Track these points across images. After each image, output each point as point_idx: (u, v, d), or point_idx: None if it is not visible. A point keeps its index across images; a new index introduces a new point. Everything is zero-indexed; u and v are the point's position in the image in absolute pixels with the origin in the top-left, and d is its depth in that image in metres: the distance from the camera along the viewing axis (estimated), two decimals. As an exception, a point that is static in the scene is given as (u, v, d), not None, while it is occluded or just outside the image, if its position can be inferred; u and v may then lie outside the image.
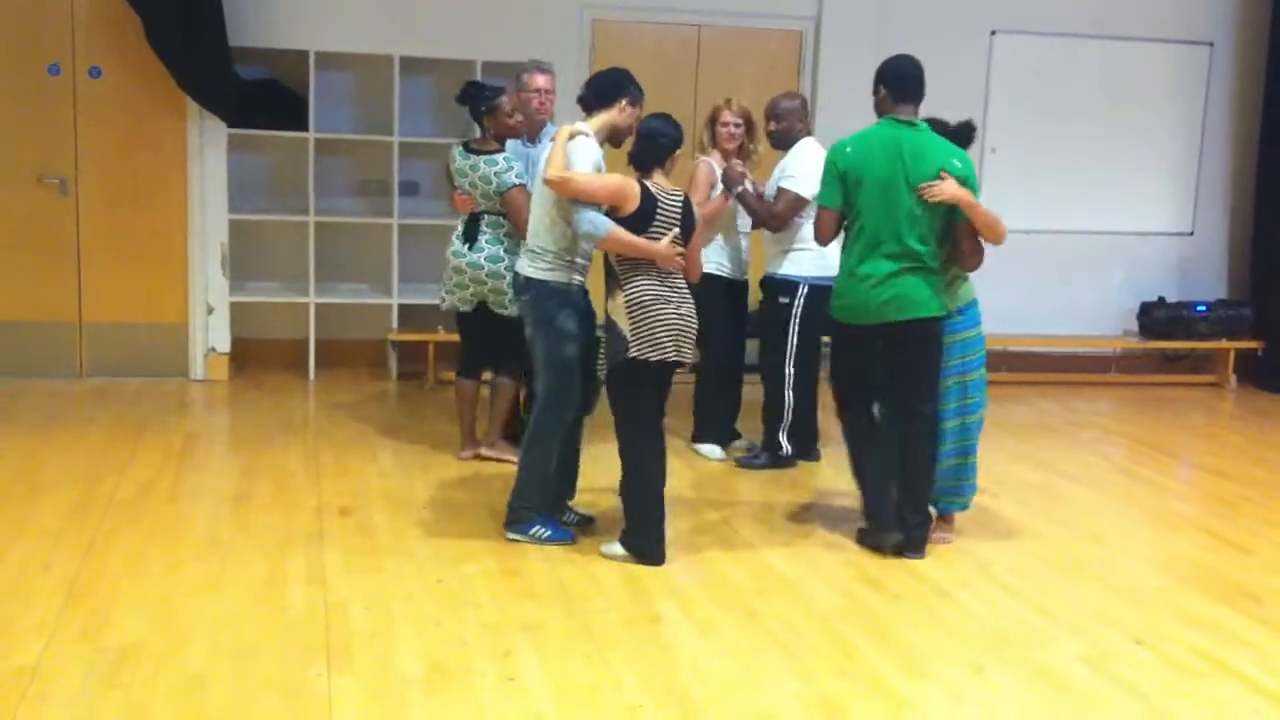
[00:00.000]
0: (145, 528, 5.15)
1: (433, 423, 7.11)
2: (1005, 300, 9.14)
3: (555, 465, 5.14)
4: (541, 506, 5.14)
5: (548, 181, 4.85)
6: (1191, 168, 9.52)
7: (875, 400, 5.25)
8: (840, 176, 5.06)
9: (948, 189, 4.94)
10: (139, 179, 7.85)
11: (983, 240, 5.12)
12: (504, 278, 5.91)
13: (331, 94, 8.18)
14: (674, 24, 8.55)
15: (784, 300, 6.22)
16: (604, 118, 5.04)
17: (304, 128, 7.97)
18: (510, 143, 6.16)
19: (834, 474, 6.13)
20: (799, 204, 6.15)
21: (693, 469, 6.37)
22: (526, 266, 5.09)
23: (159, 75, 7.57)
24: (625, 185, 4.85)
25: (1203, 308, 9.27)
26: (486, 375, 6.31)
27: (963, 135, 5.30)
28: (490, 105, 5.98)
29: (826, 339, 5.78)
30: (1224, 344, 9.29)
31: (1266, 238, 9.37)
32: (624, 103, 5.04)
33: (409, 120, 8.14)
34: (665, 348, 4.83)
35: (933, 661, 4.18)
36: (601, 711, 3.71)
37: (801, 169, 6.17)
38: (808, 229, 6.14)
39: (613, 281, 4.94)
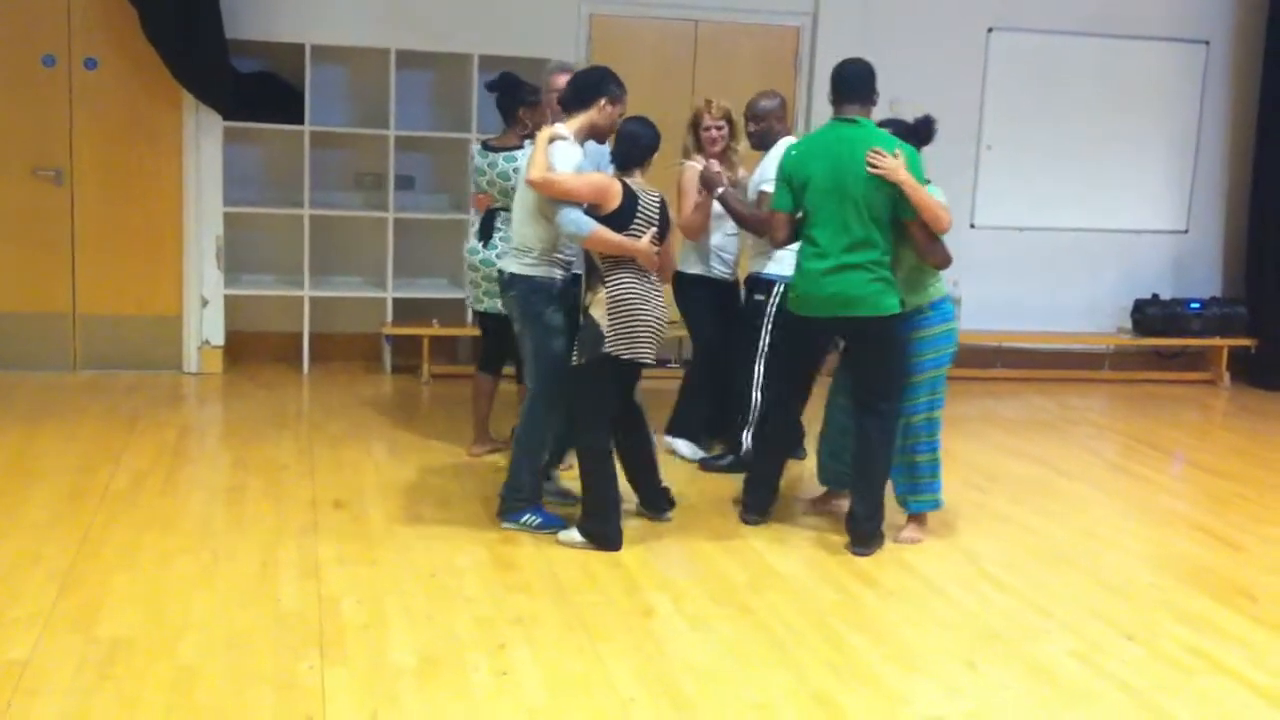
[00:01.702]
0: (138, 520, 5.14)
1: (427, 416, 7.11)
2: (999, 296, 9.20)
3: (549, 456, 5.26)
4: (534, 496, 5.21)
5: (530, 183, 4.91)
6: (1187, 166, 9.53)
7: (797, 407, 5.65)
8: (787, 179, 5.19)
9: (889, 162, 4.97)
10: (134, 171, 7.84)
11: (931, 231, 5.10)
12: None
13: (328, 87, 8.16)
14: (672, 19, 8.54)
15: (759, 298, 6.09)
16: (583, 118, 5.08)
17: (300, 121, 7.96)
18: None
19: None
20: None
21: (686, 466, 6.36)
22: (512, 263, 5.15)
23: (155, 67, 7.55)
24: (608, 184, 4.93)
25: (1197, 305, 9.28)
26: (507, 370, 6.29)
27: (922, 131, 5.32)
28: (535, 101, 5.96)
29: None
30: (1217, 341, 9.30)
31: (1261, 236, 9.38)
32: (603, 102, 5.07)
33: (405, 114, 8.13)
34: (640, 348, 4.94)
35: (925, 656, 4.19)
36: (594, 704, 3.72)
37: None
38: None
39: (595, 276, 5.04)
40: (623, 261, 4.94)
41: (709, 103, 6.41)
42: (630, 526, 5.29)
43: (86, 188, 7.78)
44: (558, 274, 5.11)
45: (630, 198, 4.93)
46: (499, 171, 5.93)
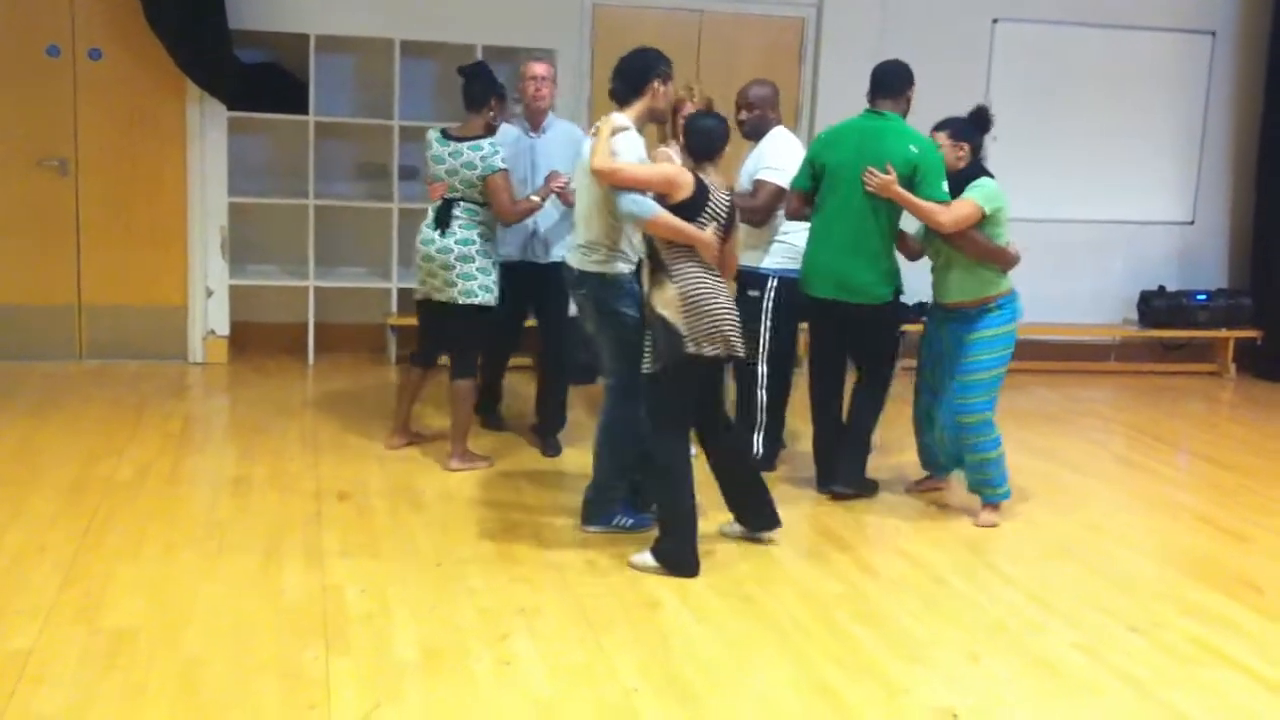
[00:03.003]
0: (143, 510, 5.15)
1: (432, 407, 7.11)
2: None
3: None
4: (623, 496, 5.12)
5: (595, 172, 4.72)
6: (1193, 157, 9.51)
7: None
8: (811, 160, 5.59)
9: (876, 180, 5.29)
10: (139, 161, 7.84)
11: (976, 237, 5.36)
12: (473, 262, 5.75)
13: (332, 77, 8.16)
14: (676, 9, 8.52)
15: (753, 294, 5.99)
16: (639, 106, 4.97)
17: (304, 111, 7.95)
18: (512, 131, 6.18)
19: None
20: (780, 195, 5.98)
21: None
22: (580, 260, 4.98)
23: (159, 57, 7.54)
24: (678, 173, 4.75)
25: (1203, 297, 9.26)
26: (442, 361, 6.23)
27: (980, 121, 5.55)
28: (503, 93, 5.92)
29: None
30: (1223, 333, 9.28)
31: (1267, 227, 9.36)
32: (655, 84, 4.98)
33: (409, 104, 8.12)
34: (720, 342, 4.69)
35: (929, 648, 4.18)
36: (597, 695, 3.72)
37: (780, 159, 5.97)
38: (779, 219, 6.05)
39: (661, 273, 4.77)
40: (689, 255, 4.71)
41: (690, 89, 6.32)
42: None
43: (91, 178, 7.78)
44: (626, 269, 4.99)
45: (701, 189, 4.74)
46: (464, 161, 5.73)
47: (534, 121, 6.26)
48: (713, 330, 4.65)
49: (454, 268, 5.76)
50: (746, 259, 6.01)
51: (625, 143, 4.81)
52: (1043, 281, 9.11)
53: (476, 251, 5.77)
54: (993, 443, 5.43)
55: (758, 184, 5.94)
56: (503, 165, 5.76)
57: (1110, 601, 4.69)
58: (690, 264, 4.71)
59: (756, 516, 5.05)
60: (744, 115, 6.17)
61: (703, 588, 4.60)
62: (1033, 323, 9.00)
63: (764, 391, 6.03)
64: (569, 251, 5.12)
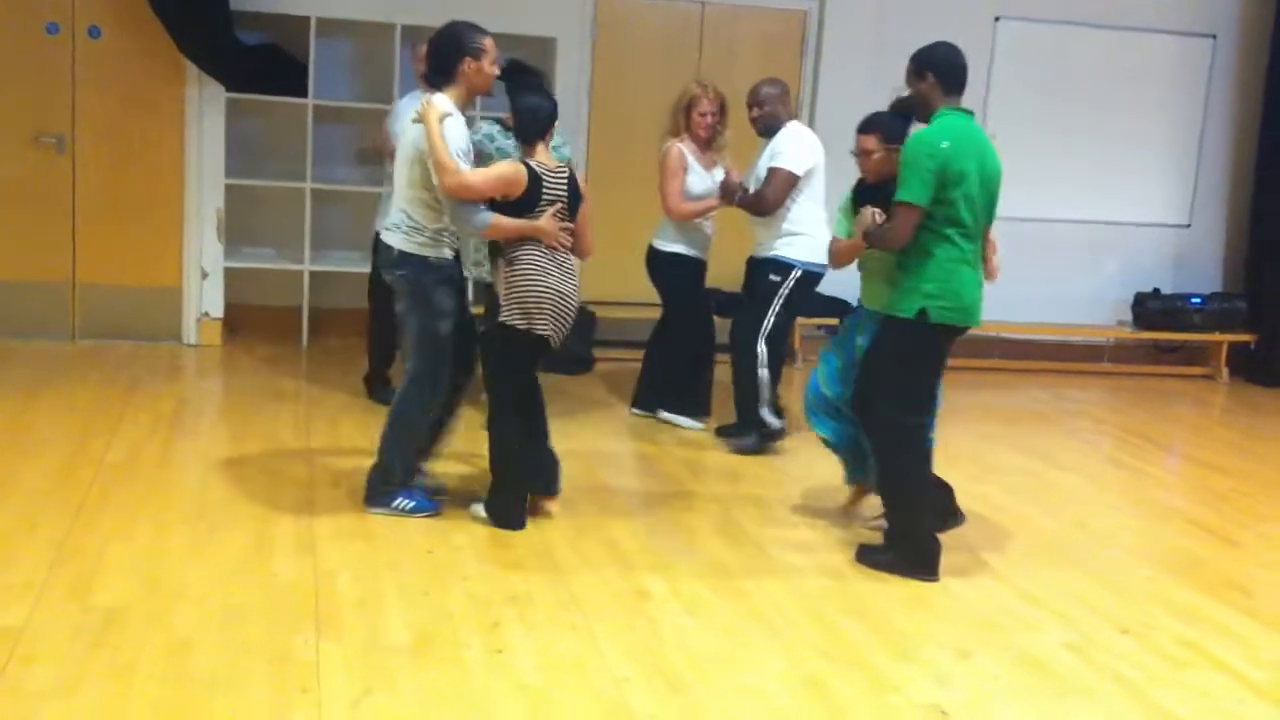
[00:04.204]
0: (134, 491, 5.14)
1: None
2: (999, 287, 9.09)
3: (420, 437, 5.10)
4: (405, 479, 5.07)
5: (449, 190, 4.64)
6: (1191, 160, 9.52)
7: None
8: (939, 172, 4.56)
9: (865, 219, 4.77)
10: (136, 141, 7.81)
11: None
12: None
13: (332, 61, 8.14)
14: (678, 0, 8.51)
15: (774, 279, 6.17)
16: (458, 88, 4.82)
17: (303, 94, 7.94)
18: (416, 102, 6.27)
19: (824, 457, 6.09)
20: (791, 182, 6.09)
21: (683, 448, 6.36)
22: (401, 241, 4.87)
23: (158, 37, 7.51)
24: (513, 173, 4.75)
25: (1197, 300, 9.28)
26: None
27: (905, 112, 5.08)
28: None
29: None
30: (1217, 336, 9.30)
31: (1263, 232, 9.38)
32: (467, 63, 4.78)
33: (409, 90, 8.08)
34: (535, 319, 4.80)
35: (919, 645, 4.19)
36: (587, 684, 3.72)
37: (790, 147, 6.12)
38: (796, 211, 6.13)
39: (497, 249, 4.94)
40: (525, 238, 4.82)
41: (705, 86, 6.39)
42: (627, 509, 5.31)
43: (88, 156, 7.76)
44: (449, 254, 4.94)
45: (534, 181, 4.75)
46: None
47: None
48: (527, 307, 4.79)
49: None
50: (768, 248, 6.23)
51: (453, 131, 4.69)
52: (1037, 281, 9.16)
53: None
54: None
55: (771, 172, 6.03)
56: (569, 153, 5.93)
57: (1100, 602, 4.70)
58: (525, 244, 4.81)
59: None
60: (755, 113, 6.26)
61: (693, 579, 4.60)
62: (1026, 323, 9.10)
63: (766, 370, 6.19)
64: (387, 229, 4.95)
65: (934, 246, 4.65)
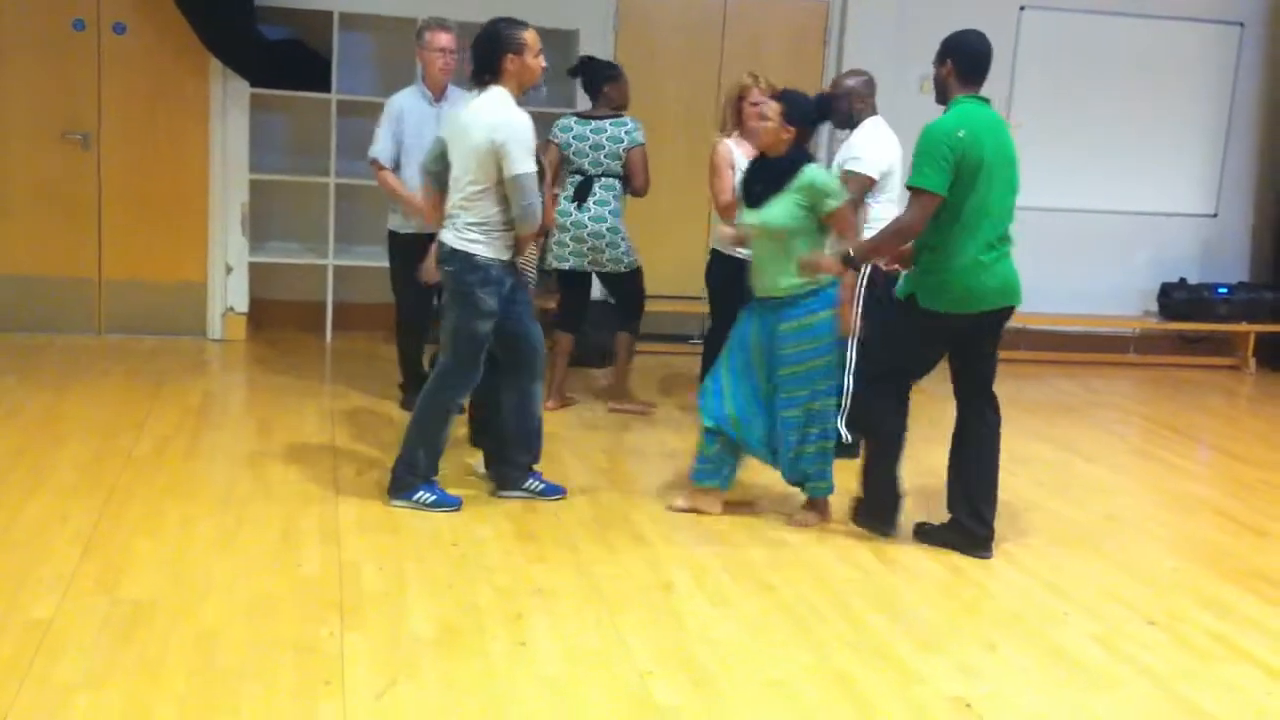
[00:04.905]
0: (162, 483, 5.17)
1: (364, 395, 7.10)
2: (1024, 277, 9.08)
3: (448, 435, 5.12)
4: (428, 473, 5.08)
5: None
6: (1217, 150, 9.45)
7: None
8: (956, 160, 4.60)
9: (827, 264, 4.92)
10: (161, 136, 7.85)
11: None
12: (619, 232, 6.47)
13: (355, 55, 8.15)
14: (700, -8, 8.49)
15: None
16: (507, 85, 4.84)
17: (327, 89, 7.96)
18: (413, 100, 6.45)
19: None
20: (867, 186, 5.90)
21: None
22: (453, 238, 4.91)
23: (183, 32, 7.55)
24: None
25: (1224, 290, 9.21)
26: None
27: (821, 110, 5.16)
28: (614, 75, 6.56)
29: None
30: (1244, 327, 9.24)
31: (1291, 221, 9.32)
32: (509, 59, 4.81)
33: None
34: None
35: (945, 637, 4.18)
36: (611, 677, 3.72)
37: (867, 150, 5.92)
38: (874, 211, 5.89)
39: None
40: None
41: (756, 77, 6.18)
42: (647, 500, 5.30)
43: (114, 152, 7.80)
44: (504, 256, 4.93)
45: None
46: (609, 135, 6.42)
47: (436, 91, 6.44)
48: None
49: (589, 241, 6.46)
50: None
51: (522, 129, 4.79)
52: (1063, 271, 9.11)
53: (609, 229, 6.46)
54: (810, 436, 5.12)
55: (845, 175, 5.80)
56: (643, 140, 6.43)
57: (1128, 593, 4.68)
58: None
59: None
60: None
61: (718, 571, 4.60)
62: (1052, 313, 9.05)
63: (851, 378, 5.79)
64: (445, 227, 4.98)
65: (963, 237, 4.68)
